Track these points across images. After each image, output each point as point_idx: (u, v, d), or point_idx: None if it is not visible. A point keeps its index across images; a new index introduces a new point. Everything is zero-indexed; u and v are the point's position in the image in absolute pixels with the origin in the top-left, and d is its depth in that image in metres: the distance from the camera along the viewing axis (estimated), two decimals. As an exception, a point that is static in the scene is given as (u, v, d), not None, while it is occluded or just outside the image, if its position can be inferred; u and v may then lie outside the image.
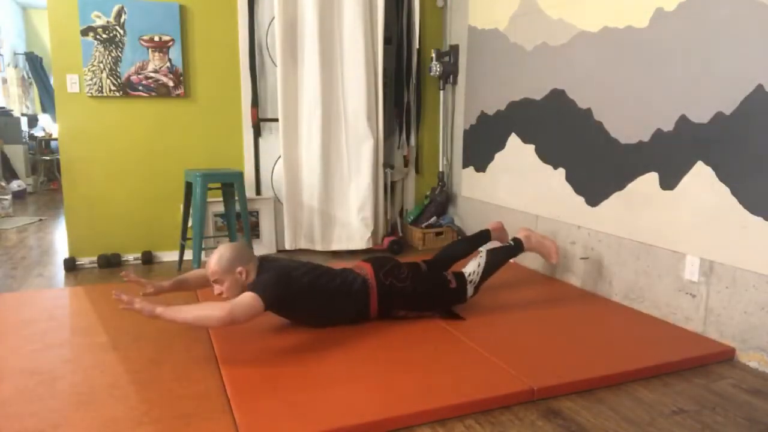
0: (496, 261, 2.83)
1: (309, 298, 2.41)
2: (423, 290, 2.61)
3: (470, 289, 2.73)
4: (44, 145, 8.11)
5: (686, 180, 2.57)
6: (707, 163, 2.47)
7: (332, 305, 2.49)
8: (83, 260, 3.81)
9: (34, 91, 9.36)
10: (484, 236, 3.21)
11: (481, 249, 2.98)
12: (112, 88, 3.72)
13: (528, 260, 3.62)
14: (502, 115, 3.85)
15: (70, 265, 3.74)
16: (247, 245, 2.41)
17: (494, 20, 3.87)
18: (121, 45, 3.70)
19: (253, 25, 3.97)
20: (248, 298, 2.17)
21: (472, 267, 2.76)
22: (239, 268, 2.33)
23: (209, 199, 3.97)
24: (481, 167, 4.14)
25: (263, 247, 4.16)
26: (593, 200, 3.12)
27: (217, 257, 2.33)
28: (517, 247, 2.96)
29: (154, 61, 3.78)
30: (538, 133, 3.52)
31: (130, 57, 3.73)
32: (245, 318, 2.14)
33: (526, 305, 2.90)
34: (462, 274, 2.73)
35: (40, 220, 5.59)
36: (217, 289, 2.36)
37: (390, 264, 2.61)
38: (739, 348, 2.37)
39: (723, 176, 2.41)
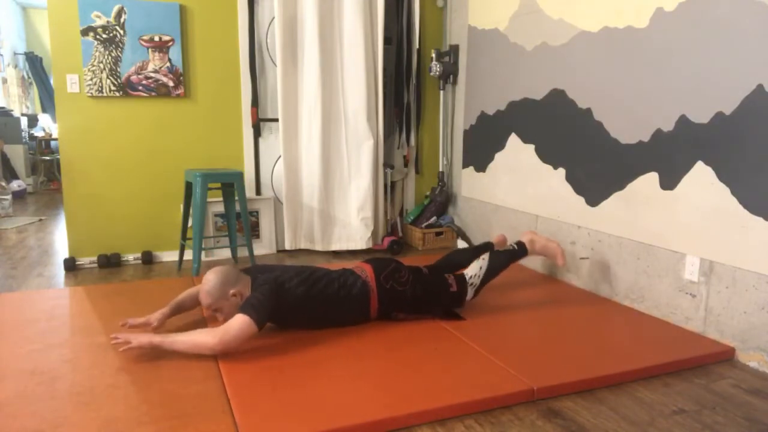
0: (498, 264, 2.80)
1: (306, 306, 2.40)
2: (423, 294, 2.60)
3: (470, 292, 2.72)
4: (44, 145, 8.12)
5: (686, 180, 2.57)
6: (707, 163, 2.47)
7: (331, 310, 2.47)
8: (83, 260, 3.81)
9: (34, 91, 9.36)
10: (487, 248, 3.17)
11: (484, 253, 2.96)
12: (112, 88, 3.72)
13: (528, 260, 3.61)
14: (502, 115, 3.85)
15: (70, 265, 3.74)
16: (230, 267, 2.39)
17: (494, 20, 3.87)
18: (121, 45, 3.70)
19: (253, 25, 3.97)
20: (239, 322, 2.14)
21: (474, 270, 2.75)
22: (231, 291, 2.31)
23: (209, 199, 3.97)
24: (481, 167, 4.14)
25: (263, 247, 4.16)
26: (593, 200, 3.12)
27: (207, 288, 2.30)
28: (520, 250, 2.92)
29: (154, 61, 3.78)
30: (538, 133, 3.52)
31: (130, 57, 3.73)
32: (237, 343, 2.13)
33: (526, 305, 2.90)
34: (463, 277, 2.72)
35: (40, 220, 5.59)
36: (220, 317, 2.35)
37: (391, 266, 2.59)
38: (739, 348, 2.37)
39: (723, 176, 2.41)
